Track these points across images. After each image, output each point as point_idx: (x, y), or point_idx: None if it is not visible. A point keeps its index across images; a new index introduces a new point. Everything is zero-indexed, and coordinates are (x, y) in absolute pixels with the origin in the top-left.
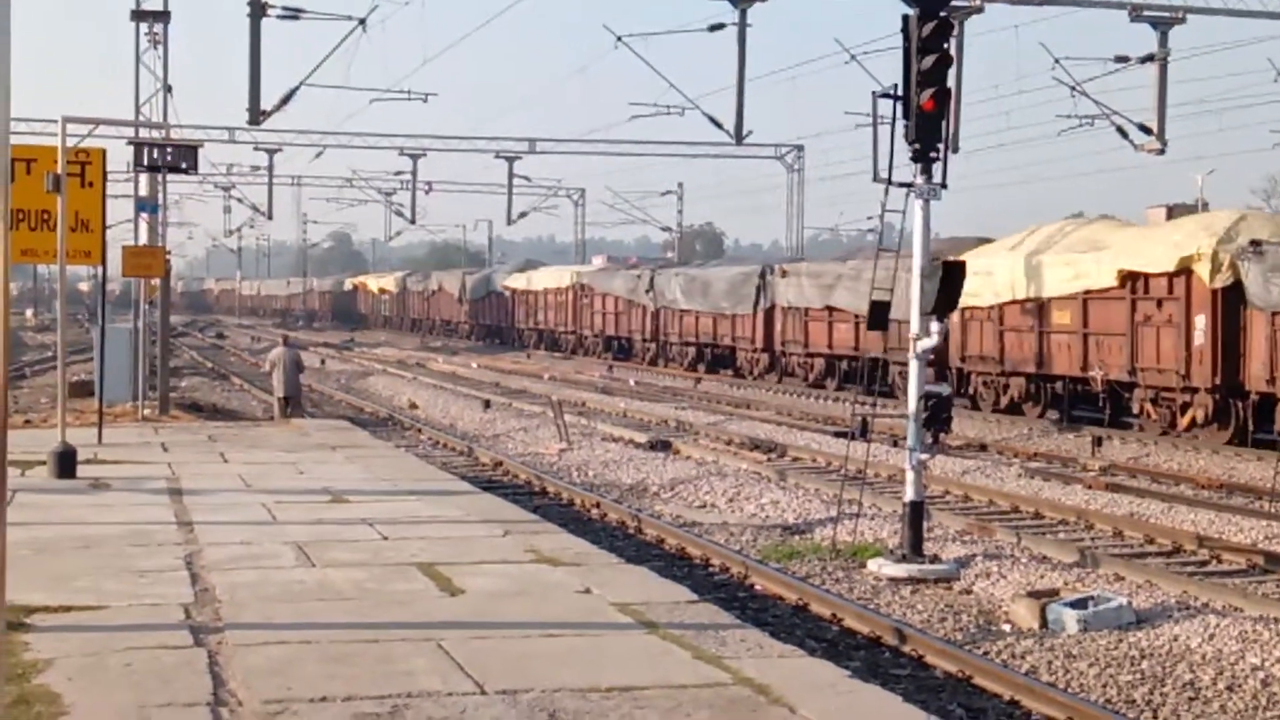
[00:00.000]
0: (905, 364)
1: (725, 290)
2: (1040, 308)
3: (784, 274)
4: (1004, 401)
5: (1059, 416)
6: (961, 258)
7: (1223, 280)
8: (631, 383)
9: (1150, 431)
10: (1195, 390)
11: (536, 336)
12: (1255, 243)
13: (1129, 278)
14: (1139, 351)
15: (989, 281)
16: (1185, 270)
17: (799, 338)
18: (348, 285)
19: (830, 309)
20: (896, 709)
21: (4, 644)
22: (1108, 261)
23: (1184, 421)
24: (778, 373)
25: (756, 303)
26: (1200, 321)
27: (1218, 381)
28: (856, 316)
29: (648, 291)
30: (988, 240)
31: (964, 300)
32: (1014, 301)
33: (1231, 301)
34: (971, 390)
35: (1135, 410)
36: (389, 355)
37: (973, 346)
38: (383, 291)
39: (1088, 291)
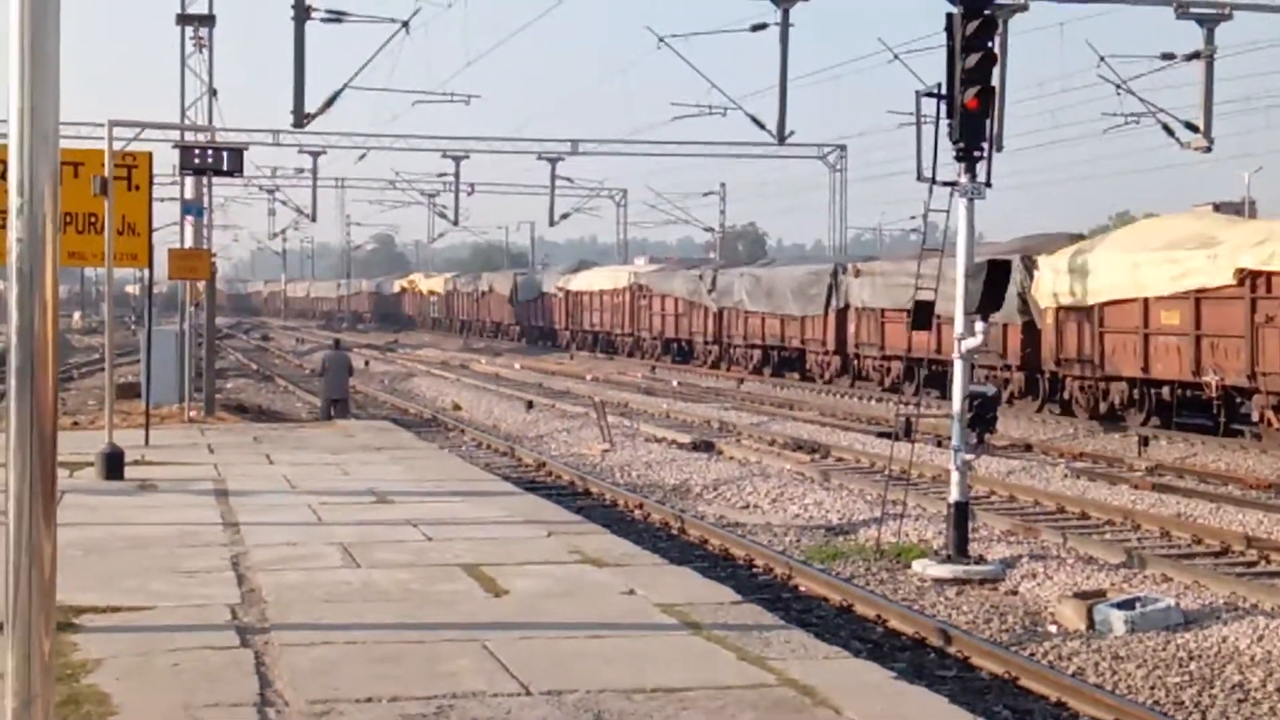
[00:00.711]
0: (986, 365)
1: (794, 290)
2: (1145, 308)
3: (857, 273)
4: (1103, 408)
5: (1160, 424)
6: (1037, 256)
7: None
8: (674, 384)
9: (1271, 440)
10: None
11: (591, 339)
12: None
13: (1248, 276)
14: (1260, 354)
15: (1088, 279)
16: None
17: (874, 340)
18: (395, 287)
19: (908, 310)
20: (942, 710)
21: (54, 644)
22: (1224, 258)
23: None
24: (850, 376)
25: (828, 303)
26: None
27: None
28: (939, 317)
29: (710, 292)
30: (1080, 236)
31: (1057, 300)
32: (1114, 301)
33: None
34: (1066, 395)
35: (1255, 418)
36: (432, 357)
37: (1068, 349)
38: (431, 293)
39: (1200, 290)
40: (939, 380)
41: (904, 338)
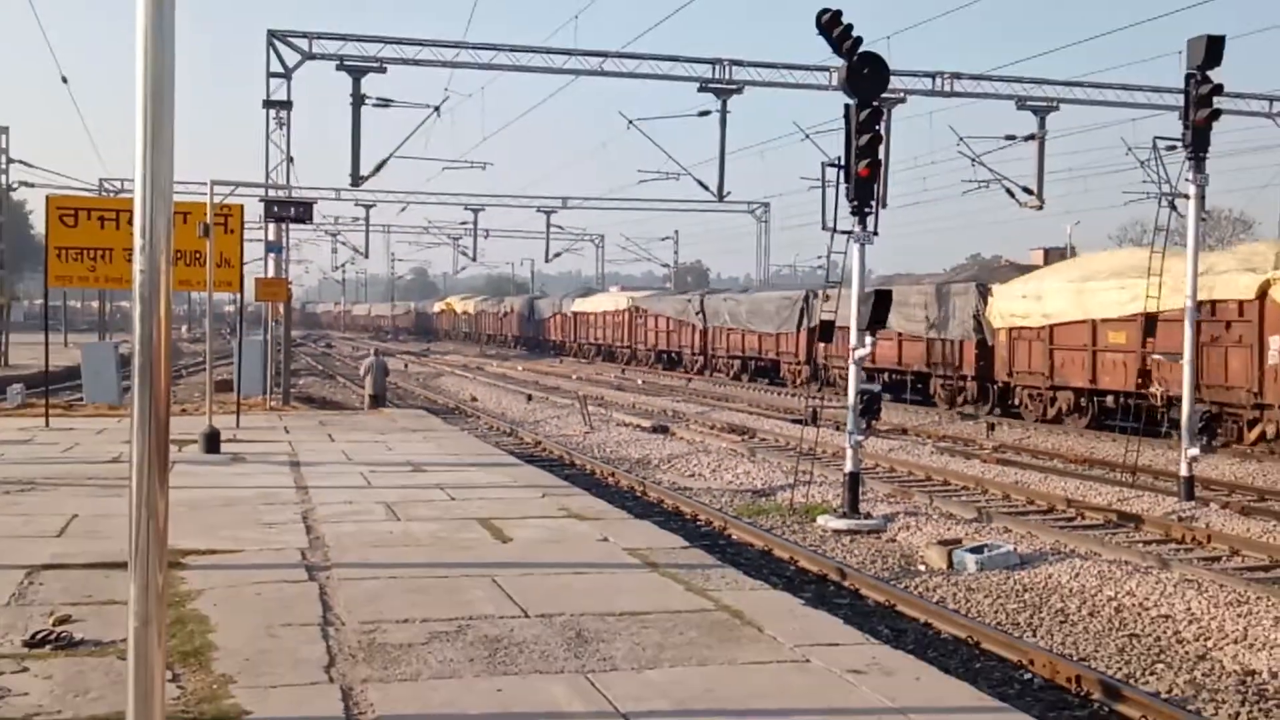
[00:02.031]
0: (944, 375)
1: (772, 312)
2: (1093, 328)
3: (827, 298)
4: (1051, 412)
5: (1098, 427)
6: (992, 284)
7: None
8: (639, 382)
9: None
10: (1268, 407)
11: (594, 350)
12: None
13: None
14: (1204, 369)
15: (1038, 305)
16: (1261, 295)
17: (841, 353)
18: (435, 308)
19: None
20: (838, 629)
21: (166, 578)
22: (1171, 284)
23: (1252, 435)
24: (819, 382)
25: (800, 323)
26: (1275, 342)
27: None
28: (899, 334)
29: (698, 313)
30: (1028, 267)
31: (1011, 322)
32: (1064, 323)
33: None
34: (1016, 401)
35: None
36: (456, 361)
37: (1020, 363)
38: (464, 312)
39: (1148, 314)
40: (898, 386)
41: (791, 344)
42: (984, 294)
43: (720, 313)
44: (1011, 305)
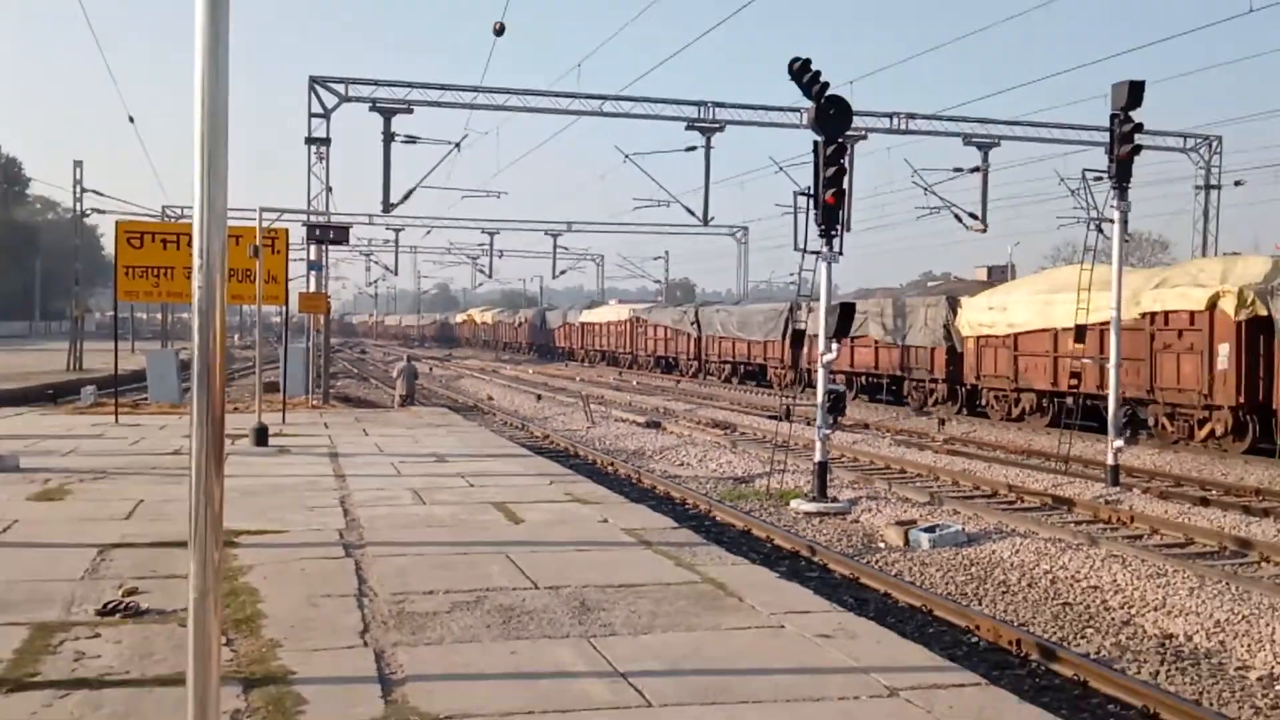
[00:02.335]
0: (917, 378)
1: (760, 322)
2: (1055, 336)
3: (810, 309)
4: (1015, 412)
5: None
6: (960, 297)
7: (1245, 314)
8: (635, 383)
9: (1163, 440)
10: (1217, 407)
11: (600, 356)
12: None
13: (1148, 315)
14: (1158, 374)
15: (1004, 315)
16: (1211, 307)
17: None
18: (458, 318)
19: (852, 338)
20: (808, 598)
21: (221, 555)
22: (1126, 298)
23: (1202, 433)
24: (801, 385)
25: (785, 332)
26: (1224, 349)
27: (1241, 400)
28: (876, 342)
29: (693, 323)
30: (986, 284)
31: (980, 330)
32: (1028, 332)
33: (1253, 332)
34: (983, 403)
35: (1150, 422)
36: (474, 365)
37: (987, 368)
38: (484, 323)
39: (1104, 324)
40: (874, 389)
41: (847, 357)
42: (953, 307)
43: (713, 323)
44: (979, 316)
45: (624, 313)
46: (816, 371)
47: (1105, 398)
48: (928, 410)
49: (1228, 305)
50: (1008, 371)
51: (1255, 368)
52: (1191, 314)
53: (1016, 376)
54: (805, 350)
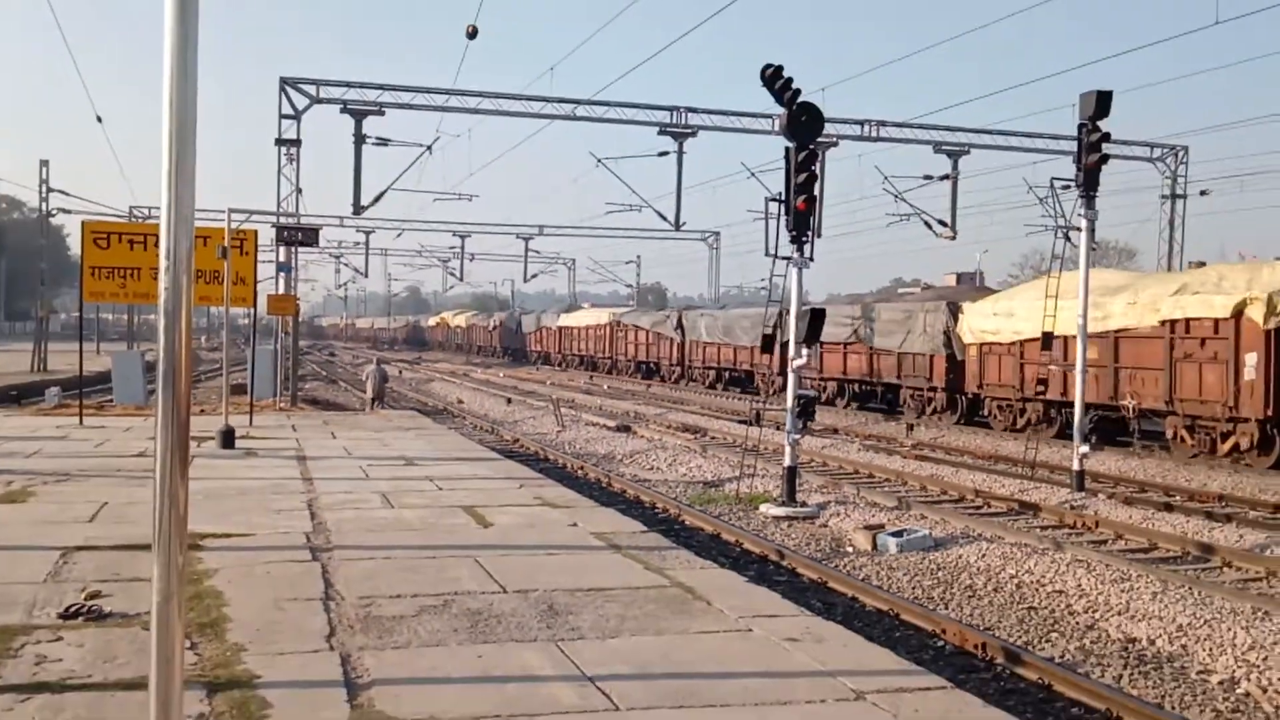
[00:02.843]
0: (914, 386)
1: (748, 327)
2: (1064, 344)
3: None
4: (1020, 423)
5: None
6: (961, 303)
7: (1275, 322)
8: (605, 387)
9: (1181, 453)
10: (1243, 420)
11: (578, 361)
12: None
13: (1168, 322)
14: (1177, 384)
15: (1010, 321)
16: (1237, 315)
17: (813, 364)
18: (431, 321)
19: (846, 343)
20: (777, 602)
21: (186, 559)
22: (1145, 305)
23: (1225, 447)
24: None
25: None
26: (1251, 358)
27: (1269, 413)
28: (871, 348)
29: (676, 328)
30: (989, 290)
31: (982, 338)
32: (1034, 339)
33: None
34: (986, 412)
35: (1169, 435)
36: (445, 369)
37: (990, 376)
38: (457, 326)
39: (1118, 331)
40: (869, 395)
41: (836, 365)
42: (954, 313)
43: (698, 327)
44: (982, 323)
45: (603, 316)
46: (808, 378)
47: (1114, 407)
48: (928, 419)
49: (1256, 313)
50: (1013, 380)
51: None
52: (1216, 322)
53: (1022, 385)
54: (778, 355)
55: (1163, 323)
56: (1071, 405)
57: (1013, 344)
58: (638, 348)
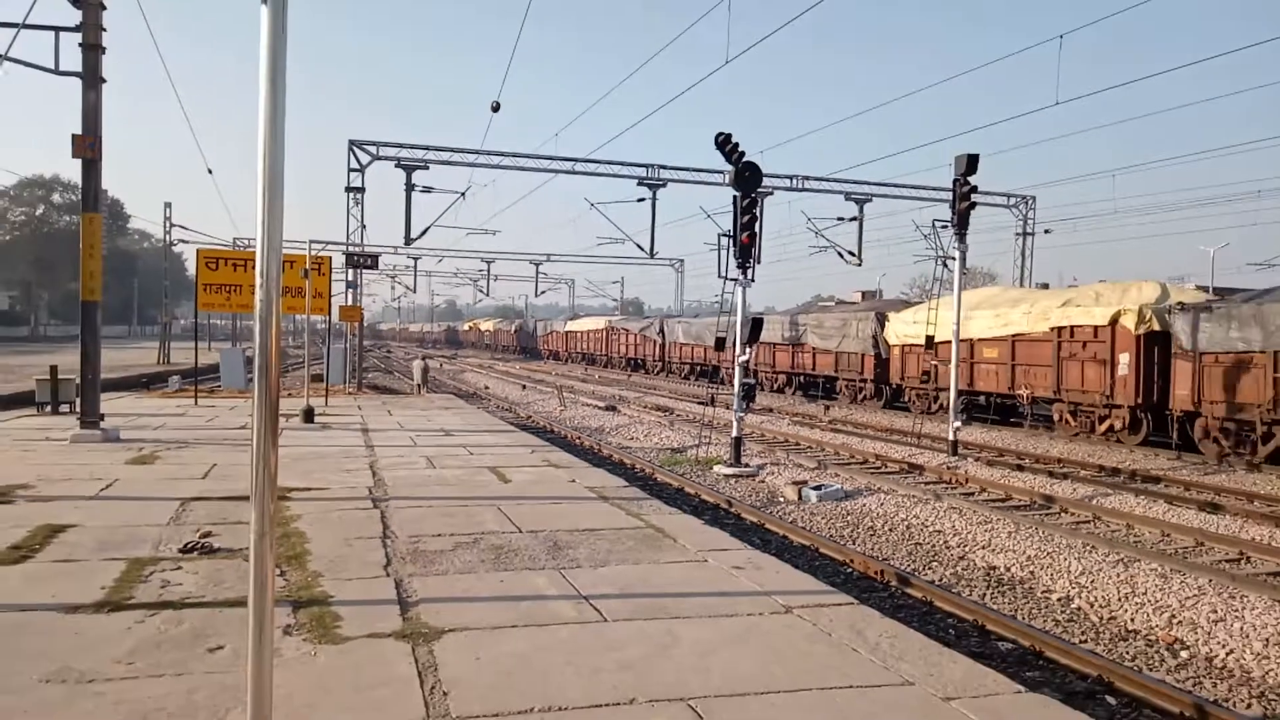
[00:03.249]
0: (849, 378)
1: (713, 331)
2: (971, 345)
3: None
4: (934, 408)
5: (972, 420)
6: (887, 313)
7: (1144, 329)
8: (596, 376)
9: (1065, 431)
10: (1117, 406)
11: (581, 357)
12: (1180, 304)
13: (1055, 329)
14: (1063, 378)
15: (924, 328)
16: (1113, 323)
17: (769, 361)
18: (465, 326)
19: (793, 343)
20: (727, 540)
21: (276, 507)
22: (1037, 314)
23: (1102, 428)
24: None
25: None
26: (1124, 358)
27: (1139, 401)
28: (814, 349)
29: (659, 332)
30: (906, 303)
31: (902, 341)
32: (946, 341)
33: (1149, 344)
34: (905, 400)
35: (1055, 418)
36: (474, 363)
37: (911, 370)
38: (487, 330)
39: (1016, 335)
40: (809, 385)
41: (789, 360)
42: (882, 321)
43: (675, 331)
44: (904, 329)
45: (601, 323)
46: (765, 371)
47: (1011, 396)
48: (857, 404)
49: (1128, 321)
50: (929, 374)
51: (1151, 374)
52: (1096, 328)
53: (937, 378)
54: (755, 353)
55: (1052, 329)
56: (965, 392)
57: (932, 345)
58: (628, 347)
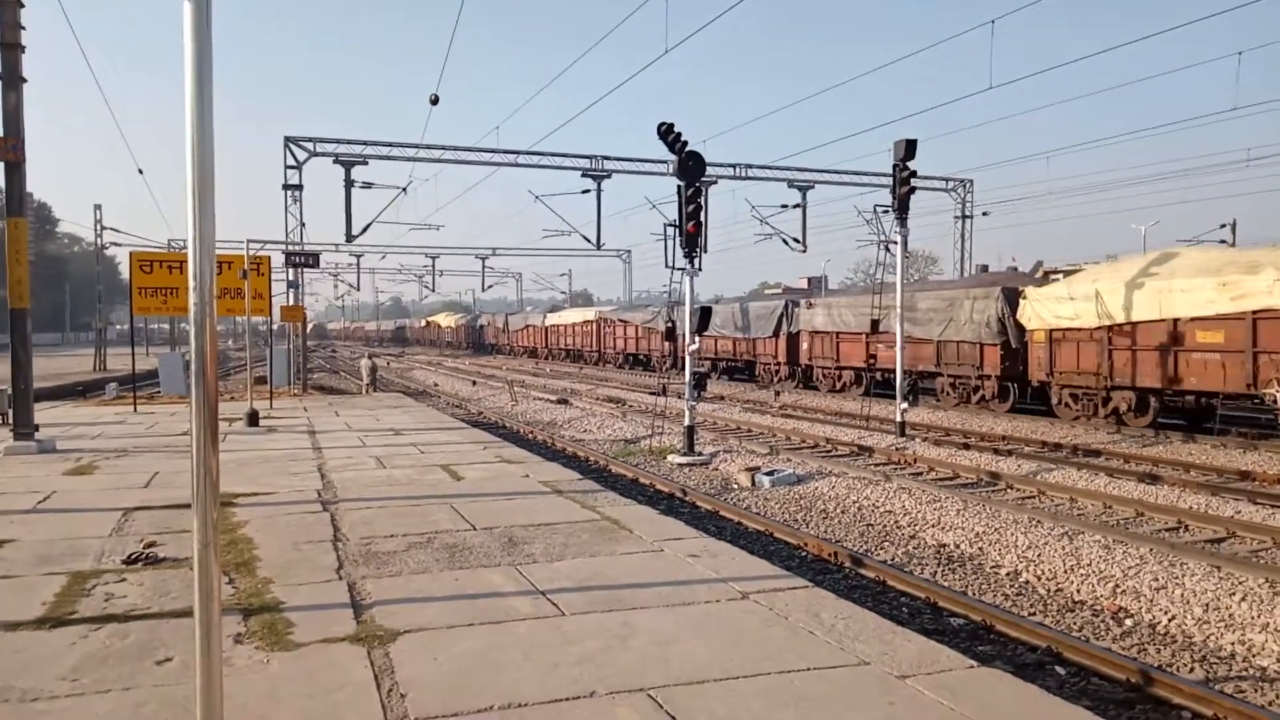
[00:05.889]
0: (961, 375)
1: (656, 325)
2: (1173, 327)
3: (810, 305)
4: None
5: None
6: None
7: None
8: (548, 370)
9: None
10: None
11: (564, 354)
12: None
13: None
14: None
15: (1089, 306)
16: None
17: (832, 354)
18: (421, 323)
19: (869, 332)
20: (682, 528)
21: (219, 513)
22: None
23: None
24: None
25: (682, 329)
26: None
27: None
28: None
29: (667, 322)
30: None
31: (1055, 323)
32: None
33: None
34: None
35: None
36: (423, 360)
37: (1065, 364)
38: (446, 326)
39: (1260, 311)
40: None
41: (856, 354)
42: (1010, 300)
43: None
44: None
45: (590, 315)
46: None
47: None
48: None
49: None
50: (831, 354)
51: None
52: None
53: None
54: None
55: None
56: (1156, 391)
57: (1095, 329)
58: (627, 341)
